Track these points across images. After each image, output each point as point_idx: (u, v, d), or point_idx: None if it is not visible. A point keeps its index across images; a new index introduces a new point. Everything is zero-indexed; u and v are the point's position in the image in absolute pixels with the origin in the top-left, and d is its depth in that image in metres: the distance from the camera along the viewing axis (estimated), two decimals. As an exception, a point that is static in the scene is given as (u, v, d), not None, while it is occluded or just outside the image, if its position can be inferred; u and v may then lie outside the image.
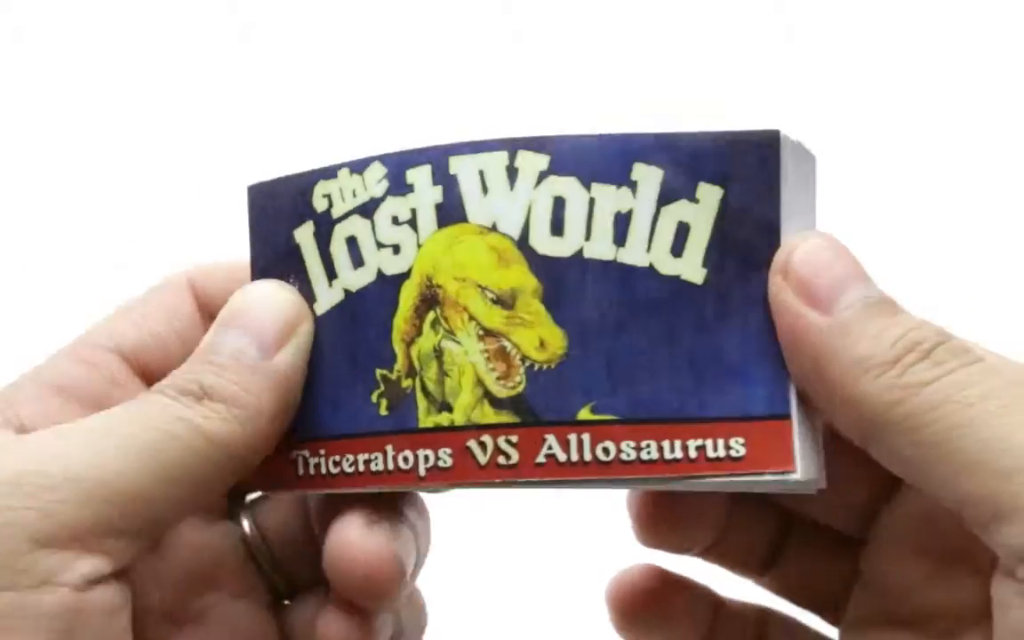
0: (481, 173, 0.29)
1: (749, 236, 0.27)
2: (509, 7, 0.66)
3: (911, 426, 0.25)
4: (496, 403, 0.28)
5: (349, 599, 0.31)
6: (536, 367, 0.28)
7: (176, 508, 0.29)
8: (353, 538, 0.30)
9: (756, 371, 0.27)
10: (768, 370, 0.27)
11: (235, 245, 0.33)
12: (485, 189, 0.29)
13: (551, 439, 0.28)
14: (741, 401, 0.27)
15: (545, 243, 0.28)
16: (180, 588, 0.33)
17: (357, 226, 0.30)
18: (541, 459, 0.28)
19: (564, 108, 0.63)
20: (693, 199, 0.28)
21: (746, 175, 0.27)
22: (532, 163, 0.28)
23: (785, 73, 0.63)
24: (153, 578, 0.32)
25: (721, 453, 0.27)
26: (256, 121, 0.65)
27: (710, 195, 0.27)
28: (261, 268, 0.32)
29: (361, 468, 0.30)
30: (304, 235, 0.31)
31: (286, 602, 0.35)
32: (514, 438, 0.28)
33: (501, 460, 0.28)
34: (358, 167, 0.30)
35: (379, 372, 0.30)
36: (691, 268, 0.28)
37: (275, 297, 0.31)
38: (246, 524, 0.34)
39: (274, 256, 0.32)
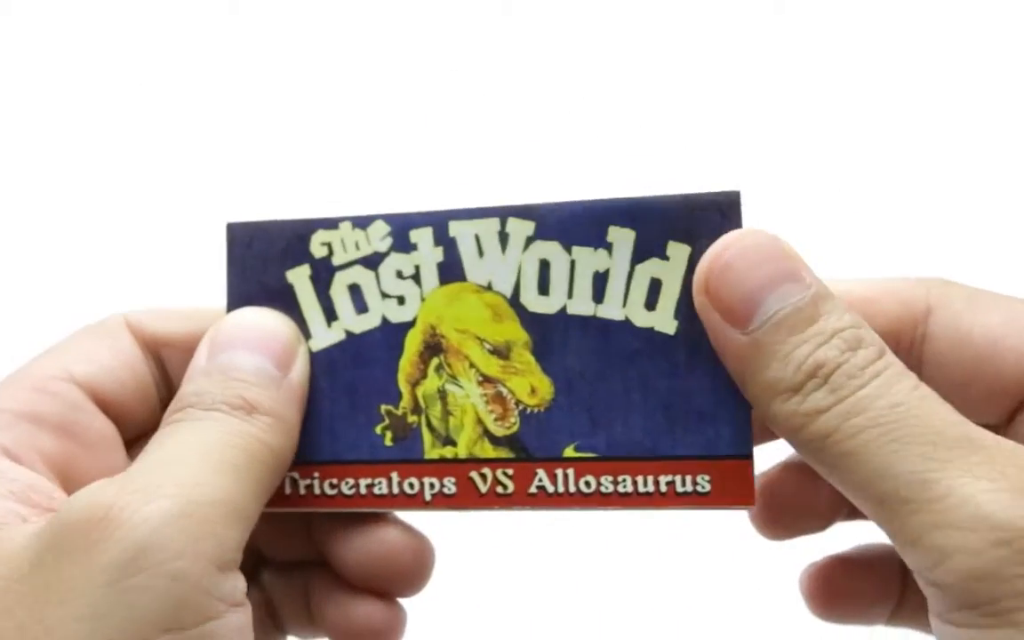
0: (477, 237, 0.33)
1: None
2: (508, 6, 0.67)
3: (812, 449, 0.28)
4: (494, 440, 0.32)
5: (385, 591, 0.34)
6: (528, 410, 0.32)
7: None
8: (395, 537, 0.34)
9: (722, 414, 0.31)
10: (732, 413, 0.31)
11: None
12: (481, 252, 0.33)
13: (541, 473, 0.32)
14: (708, 442, 0.31)
15: (533, 301, 0.32)
16: None
17: (360, 276, 0.34)
18: (533, 490, 0.32)
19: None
20: (664, 257, 0.31)
21: (711, 233, 0.31)
22: (520, 229, 0.32)
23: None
24: None
25: (689, 488, 0.31)
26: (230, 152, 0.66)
27: (679, 253, 0.31)
28: (243, 300, 0.34)
29: (363, 491, 0.33)
30: (298, 276, 0.34)
31: None
32: (510, 471, 0.32)
33: (499, 489, 0.32)
34: (361, 223, 0.34)
35: (383, 407, 0.33)
36: (664, 320, 0.31)
37: (273, 321, 0.33)
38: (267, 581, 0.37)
39: (260, 291, 0.34)
